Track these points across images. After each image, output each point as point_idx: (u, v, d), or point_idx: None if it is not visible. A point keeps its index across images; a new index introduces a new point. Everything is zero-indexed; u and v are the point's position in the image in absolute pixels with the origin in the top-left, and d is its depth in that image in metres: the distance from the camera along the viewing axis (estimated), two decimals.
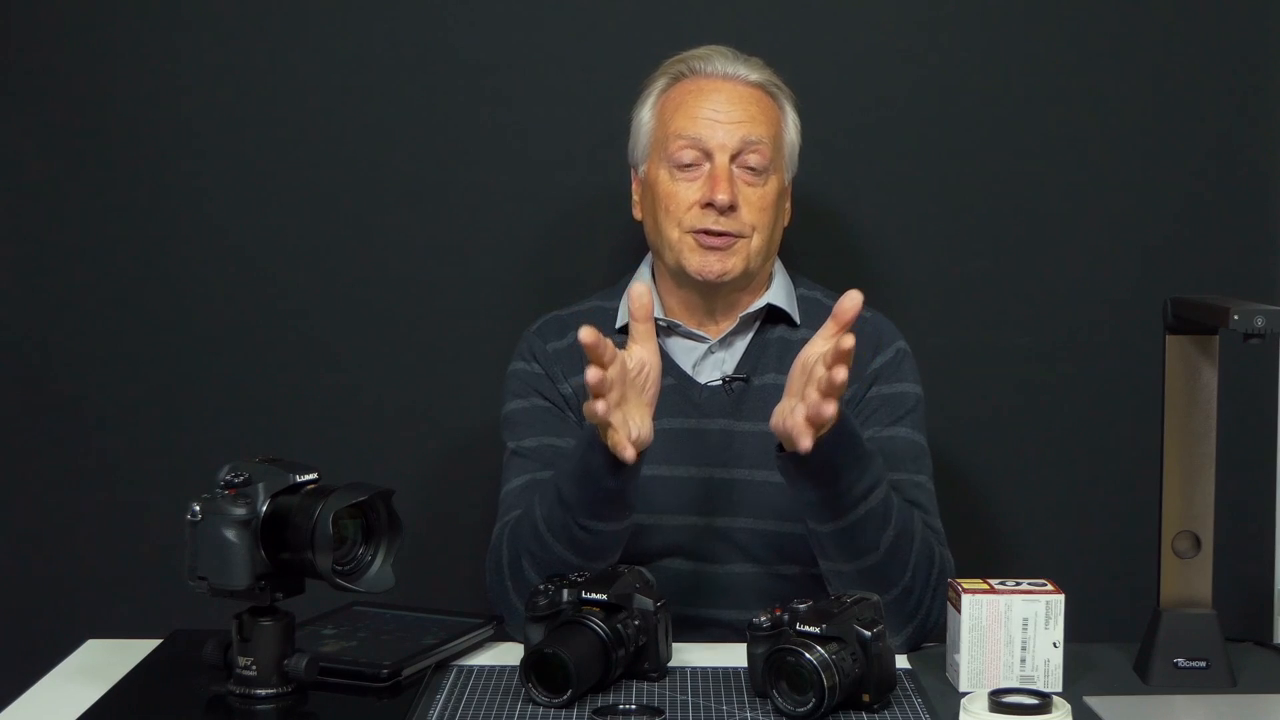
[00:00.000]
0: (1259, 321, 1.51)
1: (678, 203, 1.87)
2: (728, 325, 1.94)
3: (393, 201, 2.33)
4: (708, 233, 1.86)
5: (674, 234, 1.88)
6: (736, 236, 1.86)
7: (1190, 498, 1.68)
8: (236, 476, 1.51)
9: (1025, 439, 2.36)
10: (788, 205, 1.98)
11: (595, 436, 1.67)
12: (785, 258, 2.01)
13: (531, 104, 2.30)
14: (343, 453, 2.29)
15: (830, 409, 1.56)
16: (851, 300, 1.60)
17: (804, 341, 1.90)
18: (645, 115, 1.95)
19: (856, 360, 1.90)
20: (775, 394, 1.71)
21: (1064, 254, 2.34)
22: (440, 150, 2.32)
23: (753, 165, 1.87)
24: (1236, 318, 1.52)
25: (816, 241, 2.27)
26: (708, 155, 1.87)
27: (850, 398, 1.90)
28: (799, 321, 1.94)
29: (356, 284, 2.34)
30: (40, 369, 2.35)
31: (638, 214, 1.98)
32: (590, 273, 2.25)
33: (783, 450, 1.67)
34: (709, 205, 1.85)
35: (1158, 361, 1.68)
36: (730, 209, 1.85)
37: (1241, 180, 2.34)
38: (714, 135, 1.87)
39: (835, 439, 1.66)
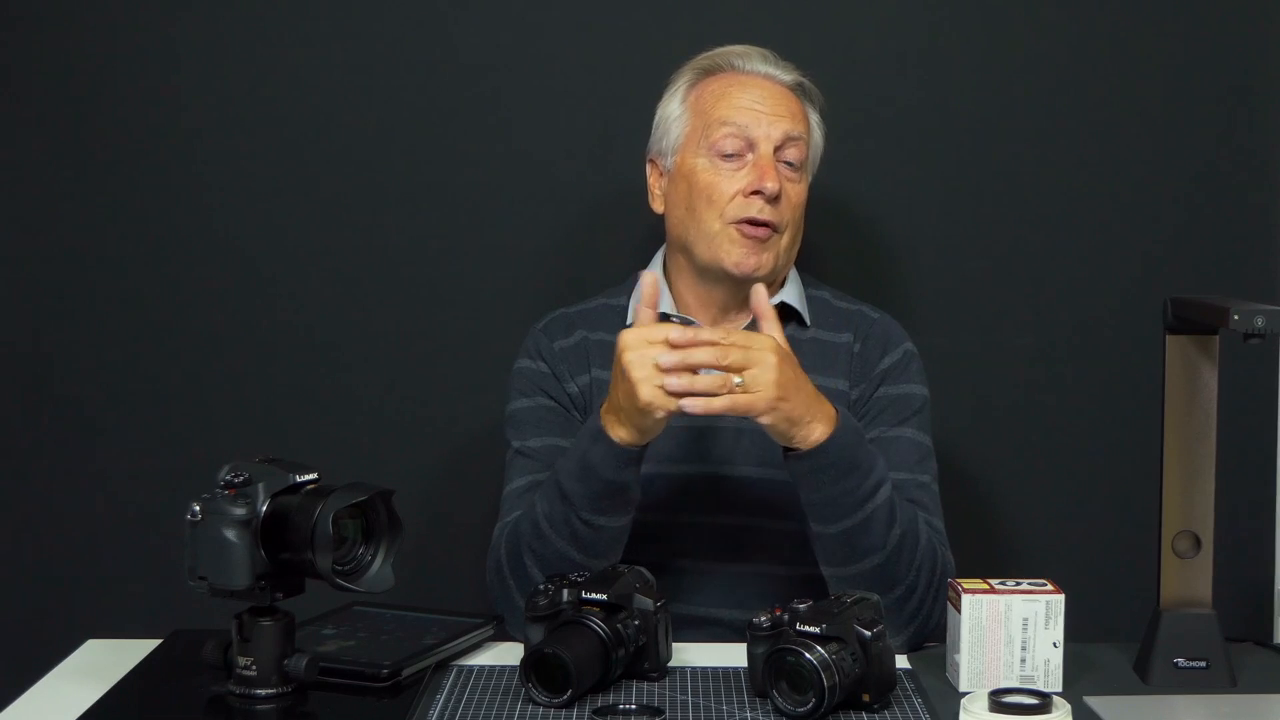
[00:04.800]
0: (1259, 321, 1.51)
1: (720, 193, 1.85)
2: (742, 322, 1.92)
3: (393, 201, 2.33)
4: (752, 222, 1.84)
5: (714, 225, 1.86)
6: (774, 230, 1.85)
7: (1190, 498, 1.67)
8: (236, 476, 1.51)
9: (1025, 439, 2.35)
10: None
11: (598, 430, 1.67)
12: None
13: (534, 103, 2.30)
14: (343, 453, 2.29)
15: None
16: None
17: (814, 341, 1.91)
18: (675, 108, 1.93)
19: (864, 361, 1.91)
20: None
21: (1064, 254, 2.34)
22: (441, 149, 2.32)
23: (791, 161, 1.87)
24: (1236, 318, 1.51)
25: (818, 241, 2.26)
26: (751, 145, 1.86)
27: (858, 398, 1.90)
28: (809, 321, 1.94)
29: (357, 284, 2.34)
30: (40, 369, 2.35)
31: (658, 206, 1.95)
32: (591, 272, 2.25)
33: (789, 452, 1.68)
34: (756, 193, 1.83)
35: (1158, 361, 1.68)
36: (775, 199, 1.84)
37: (1241, 180, 2.33)
38: (759, 125, 1.86)
39: (843, 437, 1.66)
